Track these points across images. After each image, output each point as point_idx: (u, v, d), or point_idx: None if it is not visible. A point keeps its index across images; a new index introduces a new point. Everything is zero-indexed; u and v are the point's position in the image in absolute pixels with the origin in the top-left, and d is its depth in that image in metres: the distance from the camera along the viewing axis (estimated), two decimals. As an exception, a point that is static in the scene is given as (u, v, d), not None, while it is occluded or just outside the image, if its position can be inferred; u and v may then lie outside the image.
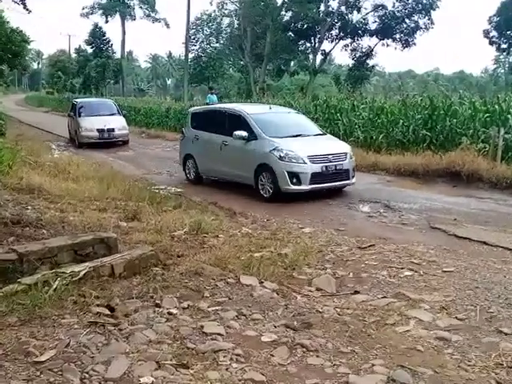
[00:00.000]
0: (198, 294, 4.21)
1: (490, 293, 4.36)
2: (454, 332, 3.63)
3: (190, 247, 5.61)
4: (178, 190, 10.00)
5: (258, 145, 9.10)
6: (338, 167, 8.85)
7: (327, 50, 39.17)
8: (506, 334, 3.55)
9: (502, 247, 5.79)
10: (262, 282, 4.63)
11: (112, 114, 18.30)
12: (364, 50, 38.64)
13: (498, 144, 10.47)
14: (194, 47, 44.07)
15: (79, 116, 17.71)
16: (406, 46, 36.64)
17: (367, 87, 47.15)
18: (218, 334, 3.49)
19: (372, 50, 38.40)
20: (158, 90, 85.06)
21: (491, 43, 42.88)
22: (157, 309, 3.86)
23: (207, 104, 16.75)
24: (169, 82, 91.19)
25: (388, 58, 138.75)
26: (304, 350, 3.32)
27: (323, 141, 9.69)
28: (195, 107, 13.85)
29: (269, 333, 3.57)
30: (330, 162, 8.79)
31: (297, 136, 9.49)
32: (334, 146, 9.47)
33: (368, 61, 39.15)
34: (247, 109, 10.28)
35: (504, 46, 42.99)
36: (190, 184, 10.77)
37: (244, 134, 9.27)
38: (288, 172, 8.55)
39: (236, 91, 47.38)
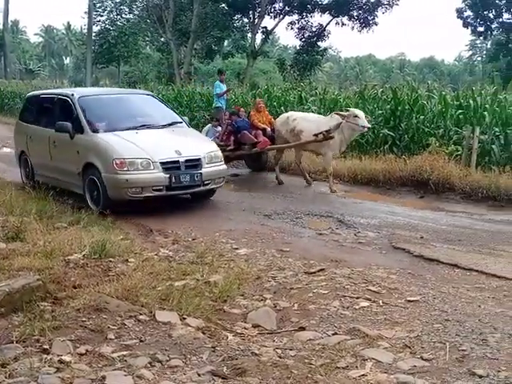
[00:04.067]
0: (99, 336, 4.12)
1: (462, 327, 4.53)
2: (419, 375, 3.74)
3: (90, 275, 5.50)
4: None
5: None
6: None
7: (269, 28, 39.71)
8: (479, 377, 3.69)
9: (476, 271, 6.06)
10: (184, 319, 4.61)
11: (171, 124, 10.18)
12: (314, 30, 39.43)
13: (473, 147, 11.00)
14: (100, 18, 43.33)
15: (93, 131, 9.31)
16: (365, 26, 37.72)
17: (318, 75, 48.28)
18: (125, 388, 3.43)
19: (324, 29, 39.26)
20: (53, 71, 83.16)
21: (466, 25, 45.04)
22: (44, 356, 3.76)
23: (217, 95, 14.87)
24: (67, 61, 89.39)
25: (344, 39, 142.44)
26: (235, 403, 3.32)
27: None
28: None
29: (191, 383, 3.54)
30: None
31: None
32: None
33: (319, 42, 39.98)
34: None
35: (480, 28, 45.28)
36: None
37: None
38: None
39: (155, 75, 47.13)
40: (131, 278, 5.34)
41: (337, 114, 10.95)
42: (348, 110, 10.99)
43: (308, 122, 11.27)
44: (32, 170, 10.90)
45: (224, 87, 15.04)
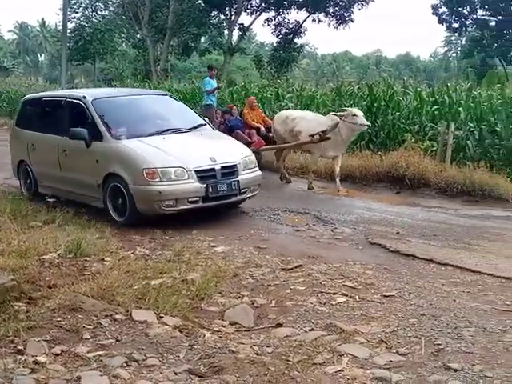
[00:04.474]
0: (74, 336, 4.10)
1: (438, 321, 4.58)
2: (395, 370, 3.77)
3: (65, 275, 5.45)
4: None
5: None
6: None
7: (246, 25, 39.65)
8: (454, 371, 3.73)
9: (451, 266, 6.12)
10: (161, 317, 4.60)
11: (195, 127, 9.33)
12: (291, 26, 39.42)
13: (448, 142, 11.10)
14: (74, 15, 42.87)
15: (115, 138, 8.38)
16: (342, 23, 37.78)
17: (295, 72, 48.37)
18: (101, 387, 3.41)
19: (301, 26, 39.26)
20: (27, 68, 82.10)
21: (441, 21, 45.43)
22: (19, 357, 3.73)
23: (206, 92, 14.30)
24: (42, 58, 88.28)
25: (320, 36, 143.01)
26: (212, 401, 3.32)
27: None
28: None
29: (167, 382, 3.53)
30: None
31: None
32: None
33: (296, 39, 39.98)
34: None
35: (455, 25, 45.69)
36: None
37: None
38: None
39: (131, 72, 46.79)
40: (107, 277, 5.30)
41: (334, 114, 10.70)
42: (345, 110, 10.73)
43: (306, 121, 10.98)
44: (35, 181, 9.89)
45: (214, 84, 14.58)
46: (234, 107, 12.85)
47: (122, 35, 46.30)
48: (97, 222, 7.64)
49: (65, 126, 8.86)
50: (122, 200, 8.00)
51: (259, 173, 8.86)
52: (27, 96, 11.65)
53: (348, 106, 13.39)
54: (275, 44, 40.72)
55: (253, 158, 8.83)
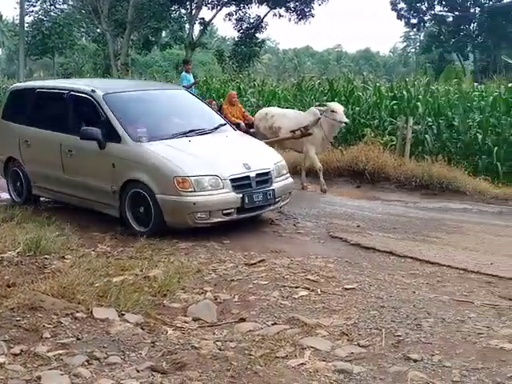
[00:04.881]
0: (34, 335, 4.04)
1: (398, 313, 4.64)
2: (357, 362, 3.82)
3: (24, 273, 5.38)
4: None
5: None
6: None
7: (207, 19, 39.47)
8: (414, 361, 3.79)
9: (411, 258, 6.23)
10: (123, 315, 4.56)
11: (217, 127, 8.47)
12: (252, 21, 39.44)
13: (407, 137, 11.26)
14: (32, 8, 42.06)
15: (135, 140, 7.50)
16: (302, 18, 37.93)
17: (257, 67, 48.36)
18: (61, 387, 3.36)
19: (262, 20, 39.27)
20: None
21: (400, 17, 46.10)
22: (-24, 358, 3.64)
23: (184, 88, 12.82)
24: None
25: (282, 31, 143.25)
26: (175, 398, 3.31)
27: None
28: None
29: (129, 379, 3.50)
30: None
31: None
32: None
33: (257, 34, 40.02)
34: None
35: (414, 20, 46.44)
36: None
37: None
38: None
39: (91, 66, 46.18)
40: (67, 275, 5.23)
41: (316, 107, 10.39)
42: (325, 105, 10.40)
43: (286, 118, 10.62)
44: (28, 183, 8.87)
45: (191, 78, 14.16)
46: (214, 102, 12.63)
47: (82, 29, 45.64)
48: (56, 219, 7.53)
49: (69, 123, 8.14)
50: (144, 209, 7.24)
51: (291, 180, 8.17)
52: (15, 85, 10.61)
53: (309, 101, 13.47)
54: (237, 39, 40.64)
55: (284, 163, 8.08)
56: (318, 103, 11.34)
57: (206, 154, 7.48)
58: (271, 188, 7.50)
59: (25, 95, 9.40)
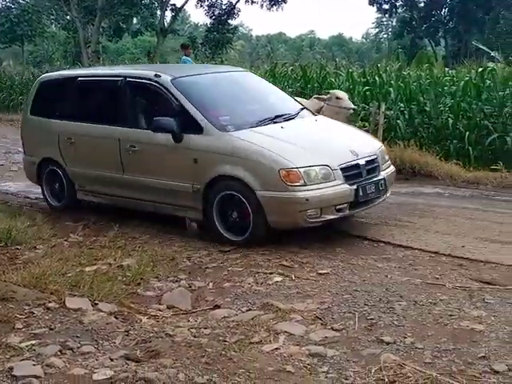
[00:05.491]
0: (6, 326, 4.02)
1: (371, 296, 4.69)
2: (330, 346, 3.85)
3: (-5, 264, 5.31)
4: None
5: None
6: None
7: (178, 6, 39.11)
8: (387, 344, 3.84)
9: (383, 242, 6.28)
10: (96, 304, 4.56)
11: (300, 111, 7.48)
12: (224, 7, 39.23)
13: (379, 122, 11.30)
14: (0, -5, 41.39)
15: (220, 129, 6.54)
16: (274, 4, 37.85)
17: (230, 53, 48.14)
18: (34, 377, 3.35)
19: (234, 7, 39.11)
20: (-49, 52, 78.51)
21: (372, 3, 46.22)
22: None
23: None
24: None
25: (255, 18, 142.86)
26: (149, 385, 3.31)
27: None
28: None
29: (103, 368, 3.49)
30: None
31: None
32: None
33: (230, 20, 39.83)
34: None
35: (386, 6, 46.61)
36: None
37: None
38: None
39: (61, 54, 45.62)
40: (39, 266, 5.21)
41: (316, 98, 10.05)
42: (328, 93, 10.06)
43: None
44: (71, 186, 7.76)
45: (192, 62, 13.90)
46: None
47: (51, 16, 44.94)
48: (28, 209, 7.45)
49: (128, 114, 7.19)
50: (239, 211, 6.25)
51: (393, 168, 7.29)
52: (45, 75, 9.07)
53: (282, 88, 13.42)
54: (209, 25, 40.41)
55: (384, 148, 7.28)
56: (317, 94, 11.11)
57: (306, 141, 6.58)
58: (381, 177, 6.61)
59: (61, 86, 8.14)
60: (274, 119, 6.85)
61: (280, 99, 7.80)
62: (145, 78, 7.13)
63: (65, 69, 20.33)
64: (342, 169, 6.16)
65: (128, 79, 7.24)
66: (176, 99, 6.65)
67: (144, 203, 7.06)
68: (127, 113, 7.21)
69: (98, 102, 7.71)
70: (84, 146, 7.50)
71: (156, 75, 6.92)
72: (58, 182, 7.90)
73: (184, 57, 14.18)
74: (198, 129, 6.43)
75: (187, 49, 14.46)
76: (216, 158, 6.33)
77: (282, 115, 6.99)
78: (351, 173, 6.24)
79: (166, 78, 6.85)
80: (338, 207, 6.13)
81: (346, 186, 6.13)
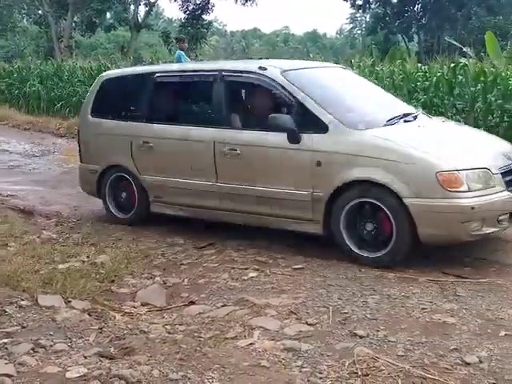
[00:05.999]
0: (-23, 326, 3.95)
1: (345, 291, 4.71)
2: (305, 340, 3.87)
3: (-35, 263, 5.22)
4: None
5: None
6: None
7: (152, 0, 38.91)
8: (360, 337, 3.87)
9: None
10: (70, 302, 4.53)
11: (418, 113, 6.67)
12: (198, 2, 39.07)
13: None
14: (-31, -11, 40.61)
15: (350, 126, 5.65)
16: (248, 0, 37.87)
17: (205, 49, 48.02)
18: (6, 376, 3.31)
19: (208, 2, 38.98)
20: None
21: (345, -2, 46.38)
22: None
23: None
24: None
25: (229, 13, 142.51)
26: (123, 382, 3.29)
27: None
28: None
29: (76, 366, 3.46)
30: None
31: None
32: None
33: (204, 16, 39.72)
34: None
35: (359, 2, 46.81)
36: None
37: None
38: None
39: (33, 49, 45.04)
40: (11, 263, 5.15)
41: None
42: None
43: None
44: (144, 197, 6.85)
45: (187, 57, 13.37)
46: None
47: (23, 11, 44.40)
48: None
49: (224, 113, 6.31)
50: (374, 223, 5.42)
51: None
52: (109, 73, 8.40)
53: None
54: (183, 20, 40.24)
55: None
56: None
57: (453, 141, 5.86)
58: None
59: (132, 84, 7.30)
60: (404, 117, 6.11)
61: (388, 97, 7.14)
62: (246, 72, 6.36)
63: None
64: (502, 173, 5.37)
65: (224, 74, 6.36)
66: (290, 94, 5.85)
67: (241, 215, 6.20)
68: (225, 112, 6.33)
69: (186, 101, 7.11)
70: (165, 150, 6.61)
71: (261, 67, 6.14)
72: (127, 192, 7.06)
73: (179, 51, 13.87)
74: (320, 127, 5.61)
75: (182, 42, 13.97)
76: (347, 159, 5.46)
77: (409, 114, 6.29)
78: (510, 177, 5.44)
79: (274, 71, 6.07)
80: (499, 218, 5.30)
81: (509, 194, 5.32)
